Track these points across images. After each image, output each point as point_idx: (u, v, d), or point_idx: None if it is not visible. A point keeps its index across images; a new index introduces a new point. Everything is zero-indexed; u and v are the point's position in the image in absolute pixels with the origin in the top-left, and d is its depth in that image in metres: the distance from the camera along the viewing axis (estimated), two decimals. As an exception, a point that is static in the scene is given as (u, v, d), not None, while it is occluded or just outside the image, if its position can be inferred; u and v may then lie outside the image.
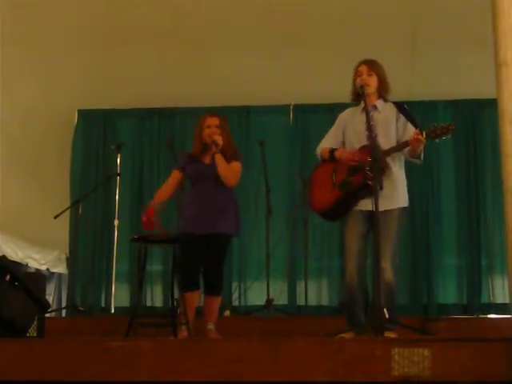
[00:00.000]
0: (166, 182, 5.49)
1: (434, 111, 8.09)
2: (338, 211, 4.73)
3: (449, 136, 4.44)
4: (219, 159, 5.19)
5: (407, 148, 4.56)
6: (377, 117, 4.67)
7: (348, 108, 4.95)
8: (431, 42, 7.23)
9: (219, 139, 5.21)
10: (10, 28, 7.08)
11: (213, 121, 5.32)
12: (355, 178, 4.60)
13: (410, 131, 4.61)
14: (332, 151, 4.76)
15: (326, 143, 4.89)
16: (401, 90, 7.31)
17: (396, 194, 4.63)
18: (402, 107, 4.75)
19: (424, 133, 4.43)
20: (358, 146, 4.67)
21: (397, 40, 7.23)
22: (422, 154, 4.64)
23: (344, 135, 4.84)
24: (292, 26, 7.14)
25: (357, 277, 4.56)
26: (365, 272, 4.63)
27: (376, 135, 4.55)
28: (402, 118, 4.70)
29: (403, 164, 4.76)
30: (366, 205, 4.55)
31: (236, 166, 5.31)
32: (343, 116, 4.93)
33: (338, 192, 4.68)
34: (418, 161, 4.68)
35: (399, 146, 4.60)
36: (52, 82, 7.87)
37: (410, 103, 7.65)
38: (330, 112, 7.54)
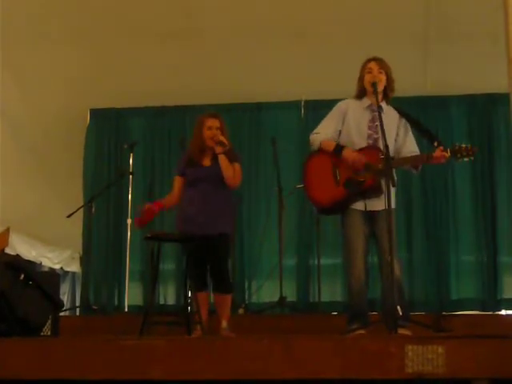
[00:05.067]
0: (171, 192, 5.45)
1: (448, 106, 8.05)
2: (340, 207, 4.67)
3: (471, 158, 4.40)
4: (224, 161, 5.18)
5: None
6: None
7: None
8: (444, 37, 7.19)
9: (225, 140, 5.21)
10: (24, 28, 7.12)
11: (214, 123, 5.31)
12: (366, 178, 4.55)
13: (410, 144, 4.65)
14: (338, 148, 4.64)
15: (326, 131, 4.75)
16: (414, 85, 7.35)
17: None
18: (407, 115, 4.74)
19: (449, 150, 4.41)
20: (358, 142, 4.63)
21: (409, 35, 7.19)
22: (421, 167, 4.66)
23: (343, 125, 4.74)
24: (302, 21, 7.12)
25: (365, 277, 4.54)
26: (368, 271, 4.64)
27: (378, 138, 4.52)
28: (403, 129, 4.69)
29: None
30: (363, 205, 4.57)
31: (238, 167, 5.32)
32: (343, 105, 4.81)
33: (343, 190, 4.61)
34: (415, 171, 4.69)
35: (420, 159, 4.60)
36: (64, 81, 7.88)
37: (423, 98, 7.77)
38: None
